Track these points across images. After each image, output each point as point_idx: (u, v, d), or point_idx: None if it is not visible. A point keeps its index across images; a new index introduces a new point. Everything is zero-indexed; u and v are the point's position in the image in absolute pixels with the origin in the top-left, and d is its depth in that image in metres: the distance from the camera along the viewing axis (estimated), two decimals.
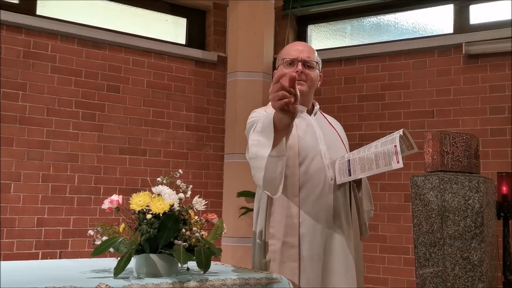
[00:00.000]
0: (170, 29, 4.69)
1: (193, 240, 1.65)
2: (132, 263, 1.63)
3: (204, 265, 1.61)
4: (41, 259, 3.69)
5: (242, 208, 4.06)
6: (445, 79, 4.20)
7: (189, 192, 1.75)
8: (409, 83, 4.34)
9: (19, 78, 3.79)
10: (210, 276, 1.63)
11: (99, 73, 4.12)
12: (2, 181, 3.65)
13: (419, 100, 4.28)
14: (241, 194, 4.04)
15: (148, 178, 2.28)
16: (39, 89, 3.85)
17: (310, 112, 2.13)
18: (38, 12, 4.00)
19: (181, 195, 1.70)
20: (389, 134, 1.89)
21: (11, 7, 3.86)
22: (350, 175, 1.94)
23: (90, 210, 3.96)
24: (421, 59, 4.31)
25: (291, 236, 1.94)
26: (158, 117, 4.35)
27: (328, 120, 2.21)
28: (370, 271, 4.24)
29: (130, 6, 4.43)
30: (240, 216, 4.05)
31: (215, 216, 1.81)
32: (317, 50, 2.17)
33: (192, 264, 1.70)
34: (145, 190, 1.71)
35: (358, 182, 2.11)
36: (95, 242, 1.65)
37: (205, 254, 1.63)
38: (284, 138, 1.73)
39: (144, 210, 1.64)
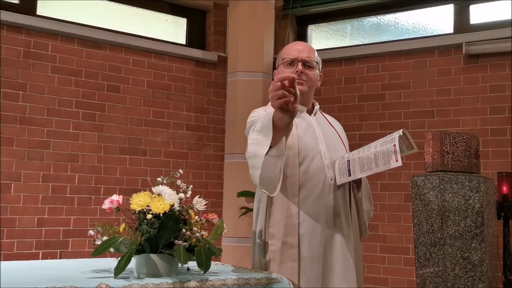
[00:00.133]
0: (170, 29, 4.69)
1: (194, 240, 1.65)
2: (133, 263, 1.63)
3: (204, 265, 1.62)
4: (42, 259, 3.69)
5: (242, 208, 4.06)
6: (445, 79, 4.20)
7: (189, 192, 1.75)
8: (409, 83, 4.34)
9: (19, 78, 3.79)
10: (210, 276, 1.63)
11: (99, 73, 4.12)
12: (2, 181, 3.65)
13: (419, 100, 4.28)
14: (241, 194, 4.04)
15: (148, 178, 2.28)
16: (39, 89, 3.86)
17: (310, 112, 2.13)
18: (38, 12, 4.00)
19: (181, 195, 1.71)
20: (389, 134, 1.89)
21: (11, 7, 3.86)
22: (350, 175, 1.94)
23: (90, 210, 3.96)
24: (421, 59, 4.31)
25: (291, 236, 1.94)
26: (158, 117, 4.35)
27: (328, 120, 2.21)
28: (370, 271, 4.23)
29: (130, 6, 4.43)
30: (240, 216, 4.05)
31: (215, 216, 1.81)
32: (317, 50, 2.17)
33: (192, 264, 1.70)
34: (145, 190, 1.71)
35: (357, 182, 2.10)
36: (96, 242, 1.65)
37: (205, 254, 1.63)
38: (283, 138, 1.73)
39: (145, 210, 1.65)
